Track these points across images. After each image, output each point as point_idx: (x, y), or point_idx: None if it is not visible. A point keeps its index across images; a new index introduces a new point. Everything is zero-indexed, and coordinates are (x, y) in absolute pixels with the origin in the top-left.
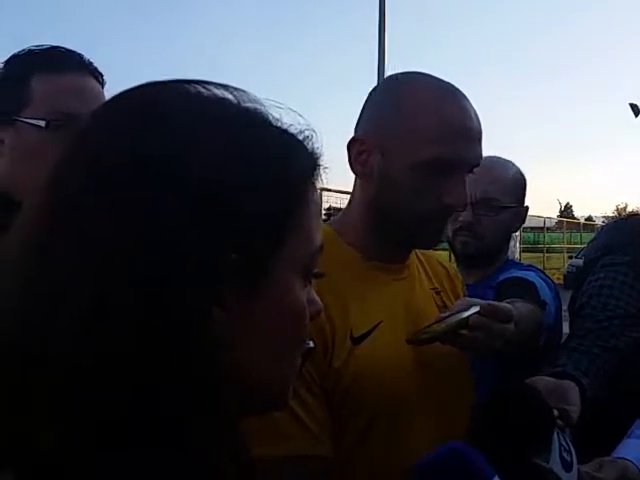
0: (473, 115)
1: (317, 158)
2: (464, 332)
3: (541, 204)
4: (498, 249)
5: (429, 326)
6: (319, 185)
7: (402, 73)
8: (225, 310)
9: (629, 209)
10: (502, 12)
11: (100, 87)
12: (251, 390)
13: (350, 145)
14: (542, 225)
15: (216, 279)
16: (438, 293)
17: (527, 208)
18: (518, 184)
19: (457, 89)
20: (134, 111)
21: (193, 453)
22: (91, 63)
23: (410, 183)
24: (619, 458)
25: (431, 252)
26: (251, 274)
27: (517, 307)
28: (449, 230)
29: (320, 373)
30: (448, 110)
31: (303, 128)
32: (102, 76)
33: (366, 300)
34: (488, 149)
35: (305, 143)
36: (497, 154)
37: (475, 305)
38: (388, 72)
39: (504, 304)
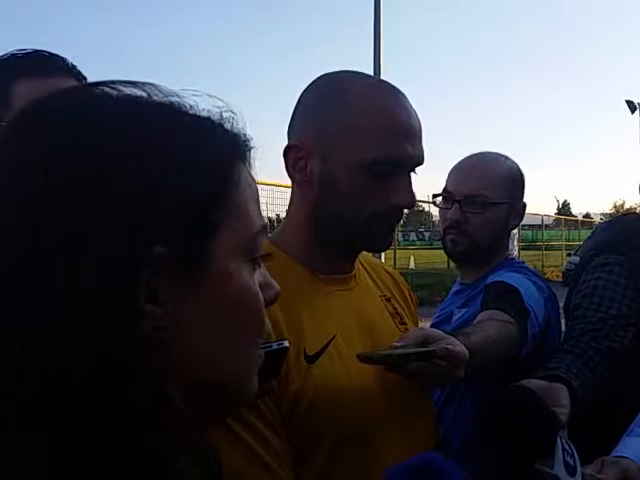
0: (414, 113)
1: (241, 138)
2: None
3: (539, 202)
4: (492, 247)
5: (383, 350)
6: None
7: (335, 73)
8: (159, 305)
9: (627, 206)
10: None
11: (75, 82)
12: (202, 386)
13: (286, 152)
14: (540, 223)
15: (138, 274)
16: (388, 300)
17: (524, 205)
18: (510, 179)
19: (396, 87)
20: (39, 128)
21: (141, 452)
22: (74, 66)
23: (355, 186)
24: (620, 457)
25: (375, 259)
26: (185, 265)
27: (485, 332)
28: (440, 228)
29: (275, 399)
30: (391, 109)
31: (222, 111)
32: (85, 79)
33: (317, 316)
34: (484, 145)
35: (225, 125)
36: (494, 150)
37: (432, 339)
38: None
39: (460, 348)
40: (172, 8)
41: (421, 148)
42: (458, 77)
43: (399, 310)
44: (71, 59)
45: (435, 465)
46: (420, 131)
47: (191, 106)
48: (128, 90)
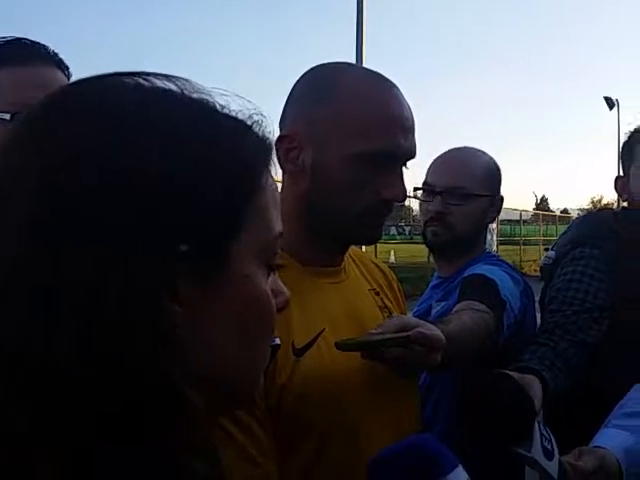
0: (407, 105)
1: (268, 142)
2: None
3: (517, 197)
4: (470, 240)
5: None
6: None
7: (328, 64)
8: (179, 303)
9: (604, 201)
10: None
11: (66, 79)
12: (215, 386)
13: (278, 143)
14: (518, 218)
15: (165, 272)
16: (377, 294)
17: (501, 198)
18: (490, 173)
19: (389, 79)
20: (71, 114)
21: (151, 452)
22: (56, 54)
23: (346, 177)
24: (597, 447)
25: (363, 252)
26: (206, 265)
27: (461, 320)
28: (421, 221)
29: (263, 392)
30: (384, 100)
31: (251, 113)
32: (68, 68)
33: (305, 308)
34: (463, 140)
35: (254, 128)
36: (473, 145)
37: (410, 326)
38: None
39: (436, 333)
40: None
41: (413, 141)
42: (437, 72)
43: (387, 304)
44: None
45: (426, 449)
46: (413, 124)
47: (223, 106)
48: (160, 83)
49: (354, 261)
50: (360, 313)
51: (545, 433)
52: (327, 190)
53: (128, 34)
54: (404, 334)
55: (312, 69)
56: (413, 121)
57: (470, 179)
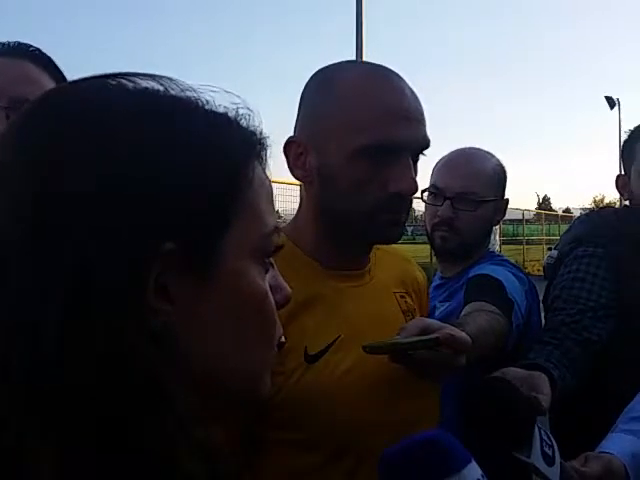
0: (410, 94)
1: (257, 136)
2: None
3: (520, 197)
4: (478, 243)
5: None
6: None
7: (331, 65)
8: (170, 302)
9: (606, 201)
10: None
11: (47, 76)
12: (214, 385)
13: (286, 149)
14: (521, 217)
15: (152, 272)
16: (402, 297)
17: (507, 201)
18: (498, 177)
19: (391, 70)
20: (53, 119)
21: (145, 453)
22: (42, 54)
23: (351, 175)
24: (604, 452)
25: (395, 249)
26: (195, 262)
27: (477, 322)
28: (427, 224)
29: (272, 397)
30: (381, 92)
31: (238, 107)
32: (57, 68)
33: (323, 314)
34: (465, 140)
35: (240, 121)
36: (476, 145)
37: (433, 329)
38: None
39: (463, 335)
40: (158, 8)
41: (420, 130)
42: (437, 70)
43: (411, 307)
44: (64, 55)
45: (440, 444)
46: (419, 113)
47: (207, 101)
48: (145, 83)
49: (383, 260)
50: (382, 316)
51: (546, 439)
52: (335, 191)
53: (133, 36)
54: (433, 336)
55: (316, 72)
56: (418, 110)
57: (480, 185)
